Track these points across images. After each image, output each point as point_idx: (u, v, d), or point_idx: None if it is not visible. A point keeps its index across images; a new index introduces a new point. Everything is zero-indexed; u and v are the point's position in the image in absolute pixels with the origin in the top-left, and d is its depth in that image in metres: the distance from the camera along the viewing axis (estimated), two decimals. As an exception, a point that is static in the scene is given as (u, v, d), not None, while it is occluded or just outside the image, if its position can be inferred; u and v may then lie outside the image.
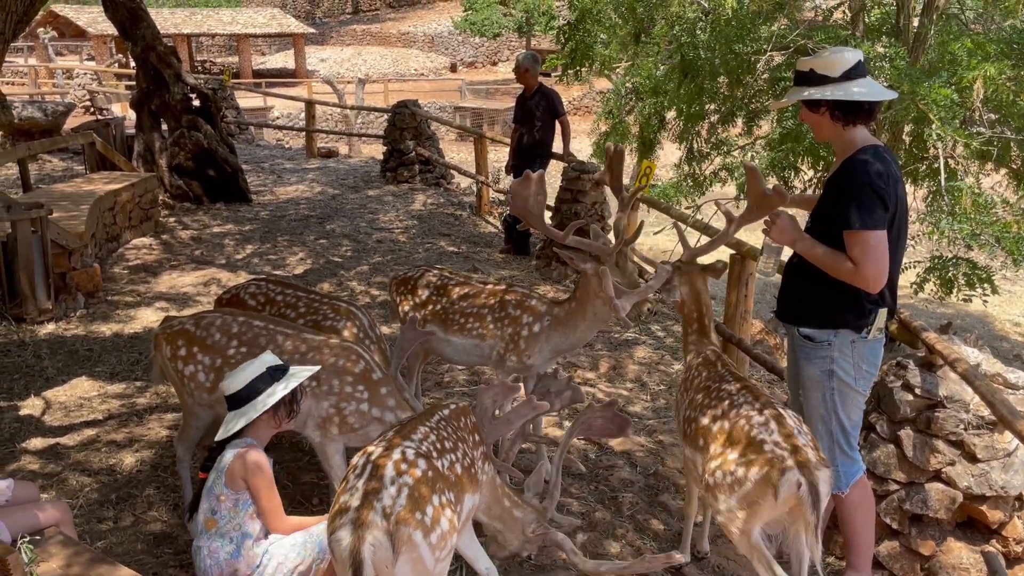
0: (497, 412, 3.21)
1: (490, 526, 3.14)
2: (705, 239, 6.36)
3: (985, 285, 6.11)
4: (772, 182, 3.45)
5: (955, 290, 6.22)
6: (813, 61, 3.20)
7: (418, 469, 2.53)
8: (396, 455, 2.55)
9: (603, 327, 4.16)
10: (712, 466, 3.04)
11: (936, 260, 6.33)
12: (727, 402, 3.16)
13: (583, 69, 9.16)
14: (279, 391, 3.00)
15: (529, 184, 3.91)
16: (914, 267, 6.70)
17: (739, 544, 3.01)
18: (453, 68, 40.23)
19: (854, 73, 3.11)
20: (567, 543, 3.11)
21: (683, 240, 3.90)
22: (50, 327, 6.48)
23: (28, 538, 2.81)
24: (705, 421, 3.18)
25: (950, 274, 6.12)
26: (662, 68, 8.49)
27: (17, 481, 3.25)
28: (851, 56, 3.15)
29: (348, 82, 28.70)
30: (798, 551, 2.87)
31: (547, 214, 9.37)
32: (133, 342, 6.30)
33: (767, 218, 3.34)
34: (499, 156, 20.54)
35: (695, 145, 8.73)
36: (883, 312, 3.20)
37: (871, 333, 3.20)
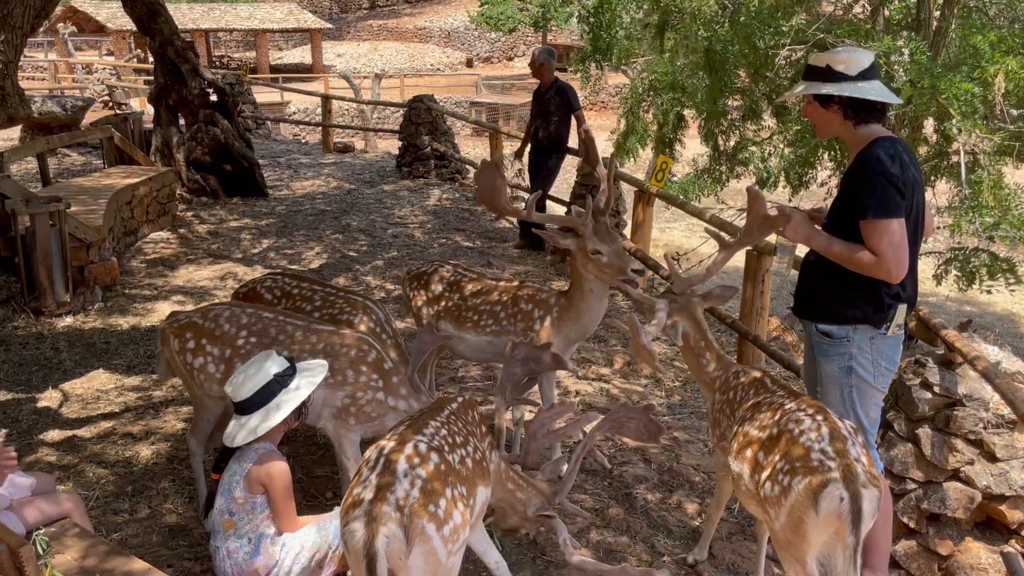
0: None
1: (493, 503, 3.15)
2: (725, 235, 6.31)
3: (1008, 275, 6.04)
4: (773, 205, 3.35)
5: (977, 281, 6.15)
6: (830, 57, 3.17)
7: (431, 463, 2.54)
8: (408, 449, 2.55)
9: (604, 296, 4.10)
10: (762, 477, 2.92)
11: (957, 251, 6.27)
12: (779, 412, 3.03)
13: (601, 63, 9.10)
14: (288, 401, 2.99)
15: (485, 173, 3.98)
16: (932, 257, 6.63)
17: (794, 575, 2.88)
18: (469, 63, 40.20)
19: (869, 74, 3.10)
20: (563, 533, 3.11)
21: (674, 270, 3.67)
22: (68, 320, 6.54)
23: (43, 530, 2.82)
24: (754, 431, 3.07)
25: (971, 265, 6.06)
26: (680, 62, 8.44)
27: (34, 473, 3.28)
28: (867, 56, 3.14)
29: (364, 77, 28.75)
30: (835, 570, 2.73)
31: (561, 208, 9.36)
32: (150, 335, 6.34)
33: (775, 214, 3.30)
34: (514, 151, 20.53)
35: (718, 142, 8.66)
36: (902, 308, 3.16)
37: (890, 329, 3.16)
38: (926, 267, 6.82)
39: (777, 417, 3.00)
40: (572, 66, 9.61)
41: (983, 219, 5.50)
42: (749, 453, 3.05)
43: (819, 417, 2.88)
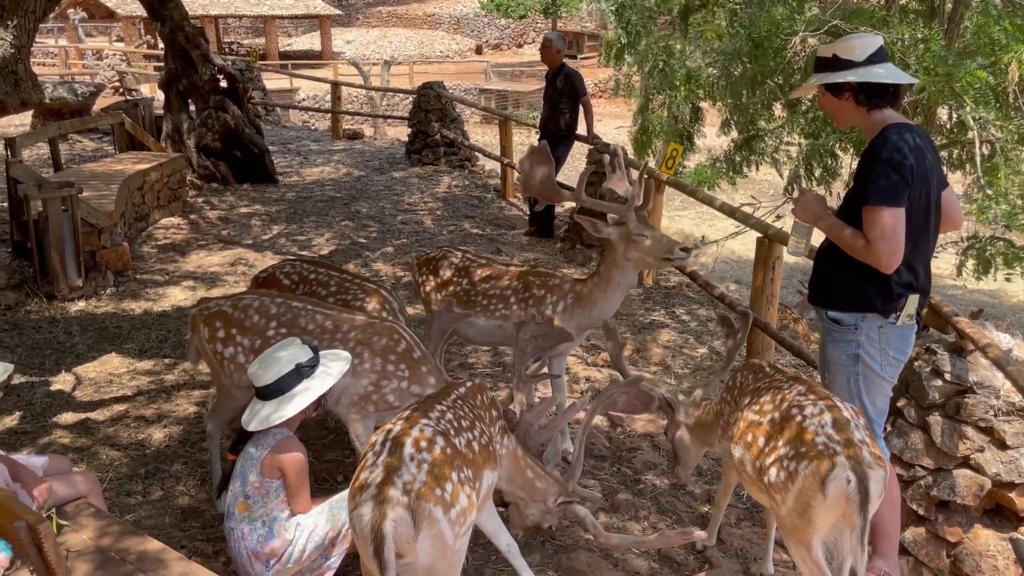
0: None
1: (512, 494, 3.17)
2: (733, 224, 6.28)
3: None
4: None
5: (993, 269, 6.13)
6: (836, 46, 3.16)
7: (437, 447, 2.56)
8: (415, 433, 2.58)
9: (627, 291, 4.19)
10: (766, 463, 2.95)
11: (973, 240, 6.25)
12: (780, 397, 3.07)
13: (633, 53, 9.00)
14: (305, 393, 3.00)
15: (532, 158, 4.06)
16: (948, 248, 6.60)
17: (801, 560, 2.91)
18: (478, 50, 40.06)
19: (877, 57, 3.08)
20: (588, 518, 3.14)
21: (674, 404, 3.85)
22: (80, 304, 6.58)
23: (55, 509, 2.85)
24: (753, 416, 3.12)
25: (988, 253, 6.03)
26: (691, 49, 8.38)
27: (49, 454, 3.31)
28: (873, 41, 3.12)
29: (374, 64, 28.71)
30: (842, 556, 2.76)
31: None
32: (162, 320, 6.38)
33: (795, 195, 3.32)
34: (524, 139, 20.47)
35: (741, 130, 8.59)
36: (914, 298, 3.14)
37: (900, 319, 3.14)
38: (946, 258, 6.78)
39: (779, 403, 3.04)
40: (607, 62, 9.45)
41: (1000, 207, 5.46)
42: (750, 439, 3.08)
43: (821, 403, 2.91)
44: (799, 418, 2.89)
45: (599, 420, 4.99)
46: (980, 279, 6.46)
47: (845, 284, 3.19)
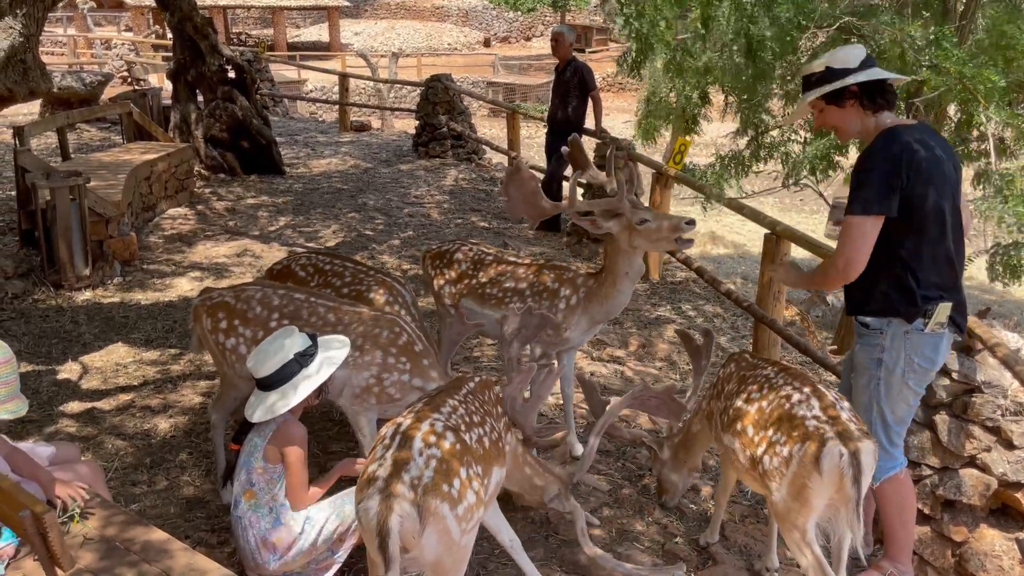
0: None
1: (511, 490, 3.19)
2: (740, 218, 6.24)
3: None
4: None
5: (1022, 276, 6.09)
6: (825, 60, 3.21)
7: (446, 441, 2.55)
8: (425, 427, 2.57)
9: (636, 281, 4.16)
10: (759, 452, 3.03)
11: (999, 246, 6.22)
12: (764, 385, 3.18)
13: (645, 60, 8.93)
14: (307, 382, 3.00)
15: (510, 181, 4.01)
16: (971, 250, 6.54)
17: (795, 545, 2.96)
18: (486, 43, 39.98)
19: (868, 63, 3.14)
20: (580, 523, 3.15)
21: (655, 448, 4.01)
22: (87, 294, 6.60)
23: (79, 509, 2.85)
24: (742, 405, 3.19)
25: (1013, 259, 5.98)
26: (697, 44, 8.32)
27: (57, 442, 3.32)
28: (860, 49, 3.20)
29: (382, 56, 28.68)
30: (839, 531, 2.85)
31: (578, 192, 9.31)
32: (168, 310, 6.40)
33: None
34: (531, 132, 20.43)
35: (754, 128, 8.52)
36: (944, 306, 3.08)
37: (929, 326, 3.10)
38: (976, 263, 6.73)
39: (766, 392, 3.15)
40: (624, 74, 9.37)
41: (1017, 209, 5.39)
42: (740, 428, 3.18)
43: (806, 388, 3.04)
44: (787, 405, 3.01)
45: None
46: (1007, 286, 6.43)
47: (872, 289, 3.18)
